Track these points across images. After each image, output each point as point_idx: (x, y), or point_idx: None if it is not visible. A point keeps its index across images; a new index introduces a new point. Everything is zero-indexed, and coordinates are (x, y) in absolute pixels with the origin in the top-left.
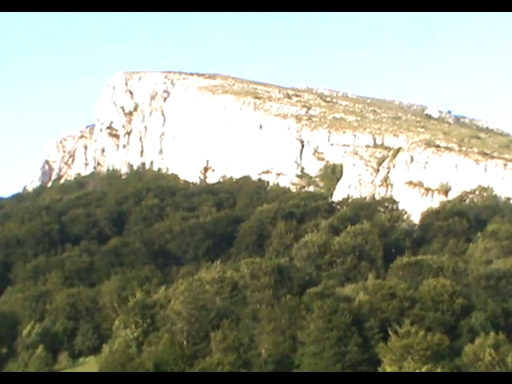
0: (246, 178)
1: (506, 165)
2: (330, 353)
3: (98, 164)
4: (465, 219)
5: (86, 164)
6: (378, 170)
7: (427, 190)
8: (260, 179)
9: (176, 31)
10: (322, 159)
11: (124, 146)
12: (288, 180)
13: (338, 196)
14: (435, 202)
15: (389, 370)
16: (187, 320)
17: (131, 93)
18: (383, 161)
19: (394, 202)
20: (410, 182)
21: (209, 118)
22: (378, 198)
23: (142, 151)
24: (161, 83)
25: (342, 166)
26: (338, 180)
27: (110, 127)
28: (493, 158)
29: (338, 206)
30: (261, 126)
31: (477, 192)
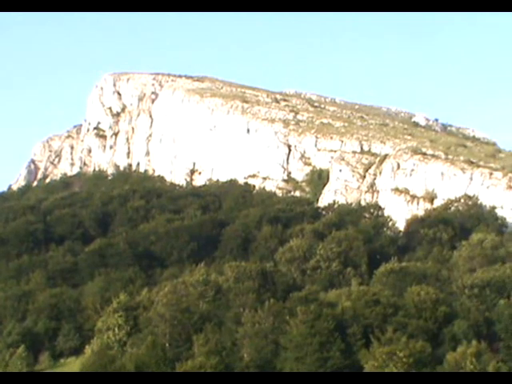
0: (233, 182)
1: (491, 174)
2: (313, 358)
3: (85, 164)
4: (450, 227)
5: (72, 164)
6: (364, 177)
7: (413, 197)
8: (246, 183)
9: (165, 33)
10: (309, 164)
11: (111, 147)
12: (274, 184)
13: (323, 201)
14: (420, 209)
15: None
16: (170, 322)
17: (119, 94)
18: (370, 167)
19: (380, 208)
20: (396, 189)
21: (196, 120)
22: (363, 204)
23: (128, 152)
24: (149, 85)
25: (328, 172)
26: (324, 185)
27: (97, 128)
28: (479, 166)
29: (324, 212)
30: (248, 130)
31: (462, 200)
